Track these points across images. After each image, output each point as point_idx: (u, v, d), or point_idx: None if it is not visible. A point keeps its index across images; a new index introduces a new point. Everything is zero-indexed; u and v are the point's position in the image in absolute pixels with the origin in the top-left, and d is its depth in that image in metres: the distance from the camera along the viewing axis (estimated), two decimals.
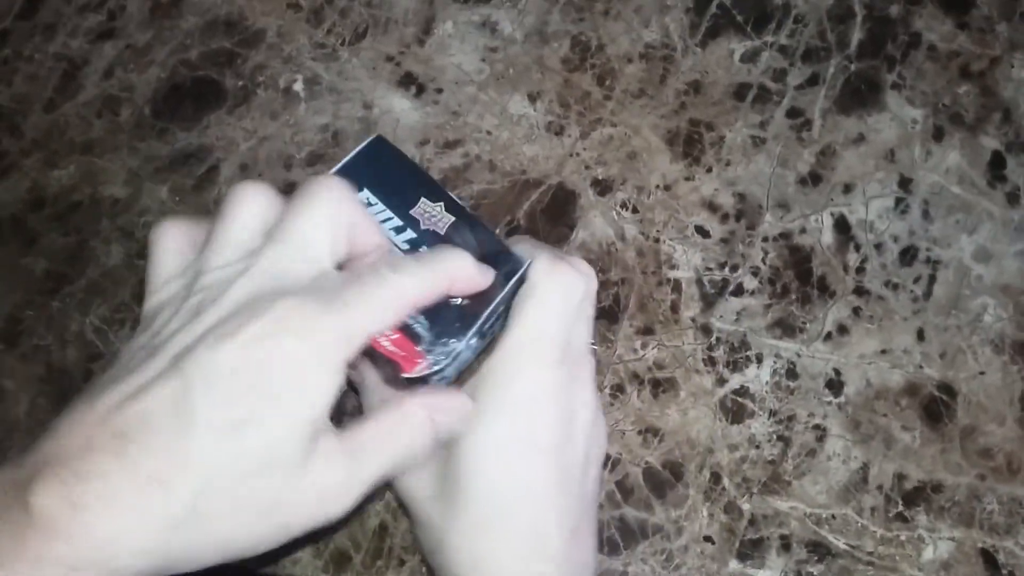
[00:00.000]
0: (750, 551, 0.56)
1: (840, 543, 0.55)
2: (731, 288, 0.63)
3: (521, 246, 0.45)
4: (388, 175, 0.45)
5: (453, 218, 0.44)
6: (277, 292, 0.34)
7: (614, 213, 0.67)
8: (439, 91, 0.73)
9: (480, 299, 0.41)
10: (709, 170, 0.67)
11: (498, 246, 0.44)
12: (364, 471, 0.36)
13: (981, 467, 0.56)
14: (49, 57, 0.82)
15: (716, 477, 0.58)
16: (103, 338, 0.70)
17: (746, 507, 0.57)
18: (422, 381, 0.40)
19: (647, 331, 0.63)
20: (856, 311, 0.61)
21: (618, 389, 0.61)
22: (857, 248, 0.63)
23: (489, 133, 0.71)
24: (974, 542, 0.54)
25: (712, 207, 0.65)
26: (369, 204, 0.44)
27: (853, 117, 0.66)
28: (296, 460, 0.33)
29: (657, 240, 0.65)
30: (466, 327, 0.41)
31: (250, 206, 0.37)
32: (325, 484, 0.34)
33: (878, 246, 0.62)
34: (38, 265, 0.74)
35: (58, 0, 0.85)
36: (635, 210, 0.66)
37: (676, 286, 0.64)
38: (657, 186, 0.67)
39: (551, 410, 0.40)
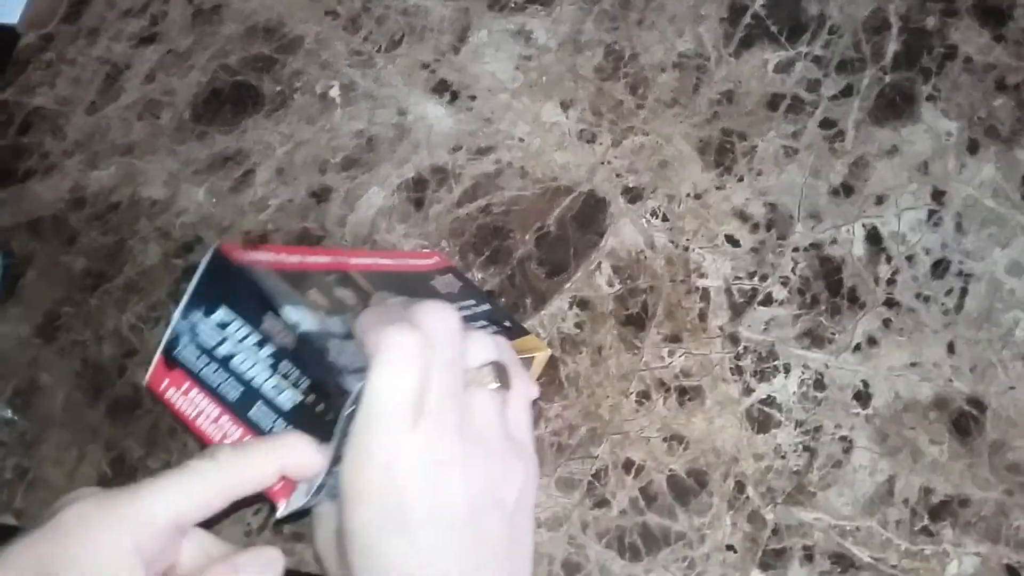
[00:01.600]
0: (773, 561, 0.56)
1: (864, 556, 0.55)
2: (760, 298, 0.63)
3: (371, 317, 0.41)
4: (236, 288, 0.42)
5: (297, 331, 0.41)
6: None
7: (644, 221, 0.67)
8: (472, 98, 0.74)
9: (332, 424, 0.39)
10: (740, 179, 0.67)
11: (339, 371, 0.40)
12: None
13: (1009, 482, 0.55)
14: (92, 60, 0.84)
15: (740, 486, 0.58)
16: (138, 335, 0.72)
17: (770, 517, 0.57)
18: (301, 512, 0.41)
19: (674, 339, 0.63)
20: (886, 323, 0.61)
21: (644, 396, 0.61)
22: (888, 260, 0.62)
23: (521, 140, 0.72)
24: (1000, 558, 0.54)
25: (743, 216, 0.65)
26: (225, 324, 0.42)
27: (887, 128, 0.66)
28: None
29: (687, 248, 0.65)
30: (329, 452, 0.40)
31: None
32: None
33: (910, 258, 0.62)
34: (77, 263, 0.76)
35: (102, 5, 0.87)
36: (665, 218, 0.67)
37: (704, 295, 0.64)
38: (688, 195, 0.67)
39: (414, 483, 0.37)
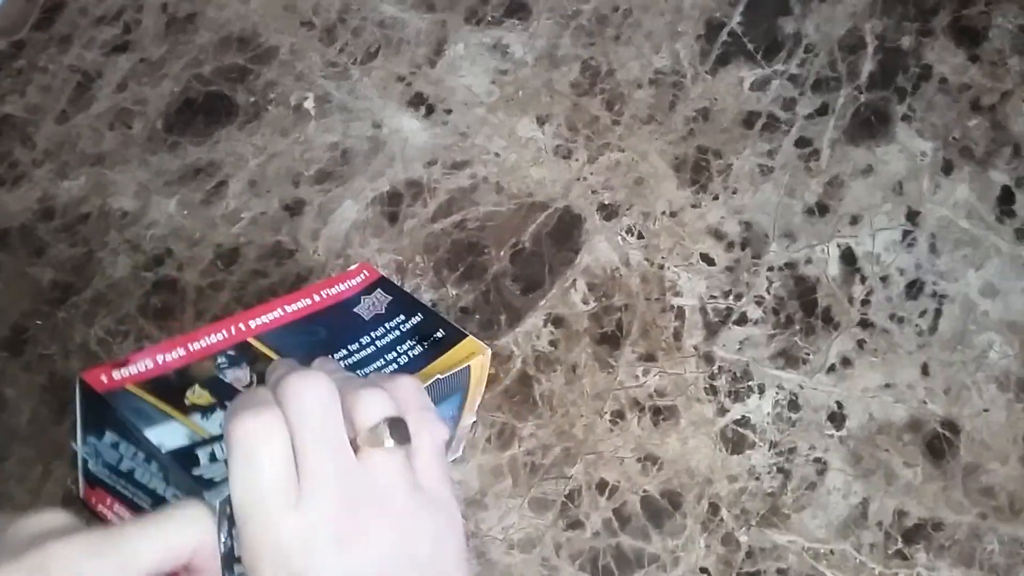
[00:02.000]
0: None
1: None
2: (735, 317, 0.63)
3: (234, 406, 0.38)
4: (106, 415, 0.44)
5: (162, 452, 0.42)
6: None
7: (619, 238, 0.66)
8: (448, 112, 0.74)
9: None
10: (716, 198, 0.66)
11: (189, 483, 0.41)
12: None
13: (983, 506, 0.55)
14: (63, 68, 0.83)
15: (714, 508, 0.58)
16: (106, 349, 0.71)
17: (744, 539, 0.56)
18: None
19: (649, 358, 0.62)
20: (860, 344, 0.60)
21: (618, 415, 0.61)
22: (863, 280, 0.62)
23: (497, 155, 0.71)
24: None
25: (718, 235, 0.65)
26: (116, 444, 0.43)
27: (862, 148, 0.66)
28: None
29: (662, 267, 0.65)
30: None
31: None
32: None
33: (884, 279, 0.62)
34: (45, 275, 0.75)
35: (75, 12, 0.86)
36: (640, 236, 0.66)
37: (679, 313, 0.63)
38: (663, 212, 0.67)
39: (313, 565, 0.36)
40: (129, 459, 0.42)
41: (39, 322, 0.73)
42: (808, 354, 0.61)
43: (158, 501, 0.41)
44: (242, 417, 0.36)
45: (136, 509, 0.42)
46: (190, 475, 0.40)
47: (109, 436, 0.43)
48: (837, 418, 0.59)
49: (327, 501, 0.36)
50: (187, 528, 0.36)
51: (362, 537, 0.36)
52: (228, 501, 0.36)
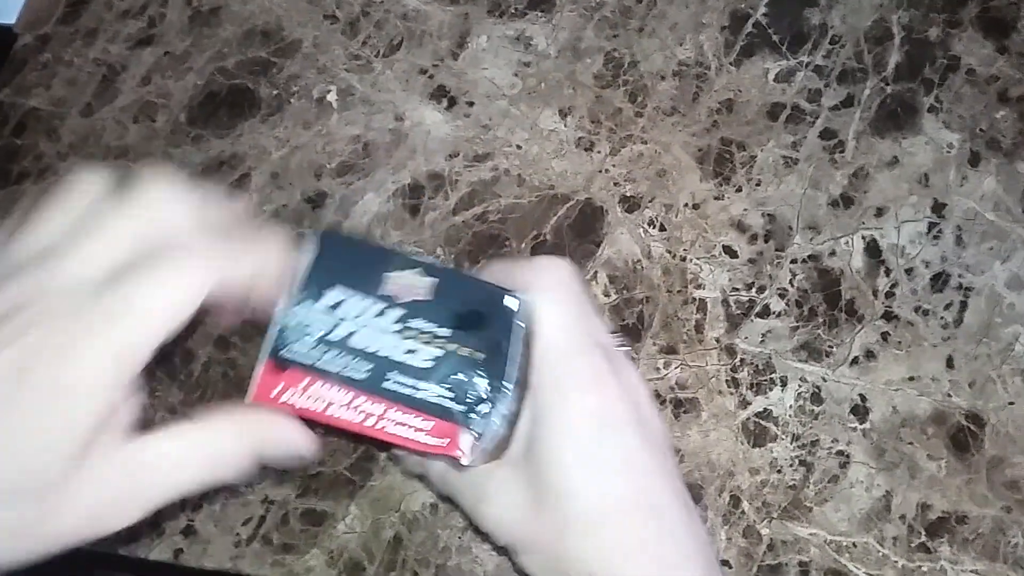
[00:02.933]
0: None
1: (860, 572, 0.54)
2: (757, 309, 0.62)
3: (495, 271, 0.43)
4: (353, 262, 0.41)
5: (433, 279, 0.40)
6: (57, 298, 0.32)
7: (641, 231, 0.66)
8: (471, 104, 0.74)
9: (494, 354, 0.39)
10: (739, 190, 0.66)
11: (493, 293, 0.40)
12: (149, 491, 0.34)
13: (1007, 499, 0.54)
14: (88, 62, 0.84)
15: (736, 500, 0.57)
16: None
17: (765, 532, 0.56)
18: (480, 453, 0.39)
19: (670, 350, 0.62)
20: (884, 336, 0.60)
21: None
22: (887, 273, 0.62)
23: (519, 147, 0.71)
24: None
25: (741, 227, 0.65)
26: (337, 304, 0.39)
27: (888, 140, 0.65)
28: (53, 486, 0.32)
29: (684, 259, 0.65)
30: (496, 382, 0.38)
31: (73, 200, 0.34)
32: (95, 503, 0.33)
33: (909, 271, 0.61)
34: None
35: (99, 6, 0.87)
36: (663, 228, 0.66)
37: (701, 306, 0.63)
38: (686, 204, 0.66)
39: (610, 388, 0.39)
40: (350, 321, 0.39)
41: None
42: (831, 347, 0.60)
43: (379, 366, 0.39)
44: (548, 260, 0.42)
45: (343, 382, 0.38)
46: (473, 286, 0.41)
47: (333, 295, 0.39)
48: (860, 411, 0.58)
49: (616, 357, 0.42)
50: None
51: (635, 391, 0.42)
52: (524, 317, 0.40)
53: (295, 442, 0.37)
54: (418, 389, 0.38)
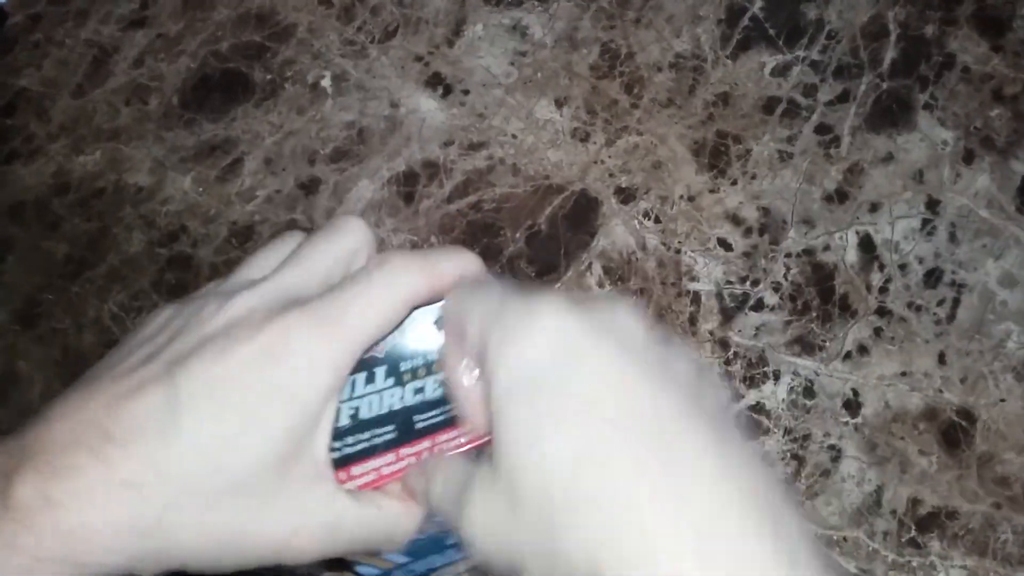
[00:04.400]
0: None
1: (851, 566, 0.55)
2: (751, 303, 0.62)
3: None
4: None
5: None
6: (272, 311, 0.33)
7: (636, 222, 0.66)
8: (466, 92, 0.73)
9: None
10: (734, 183, 0.66)
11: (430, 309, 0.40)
12: (333, 535, 0.34)
13: (997, 496, 0.55)
14: (80, 43, 0.83)
15: None
16: (120, 324, 0.70)
17: None
18: None
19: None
20: (877, 332, 0.60)
21: None
22: (881, 268, 0.62)
23: (514, 137, 0.71)
24: (987, 571, 0.53)
25: (736, 220, 0.65)
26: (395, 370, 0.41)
27: (883, 136, 0.66)
28: (273, 486, 0.32)
29: (678, 251, 0.65)
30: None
31: (341, 247, 0.37)
32: (303, 518, 0.33)
33: (902, 267, 0.62)
34: (59, 249, 0.75)
35: None
36: (657, 220, 0.66)
37: (695, 298, 0.63)
38: (681, 197, 0.66)
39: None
40: (348, 401, 0.38)
41: (52, 296, 0.73)
42: (824, 341, 0.60)
43: (401, 415, 0.38)
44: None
45: (384, 449, 0.38)
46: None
47: (384, 368, 0.39)
48: (852, 405, 0.58)
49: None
50: None
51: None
52: None
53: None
54: (446, 411, 0.39)
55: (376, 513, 0.36)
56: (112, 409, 0.31)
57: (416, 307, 0.36)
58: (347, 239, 0.36)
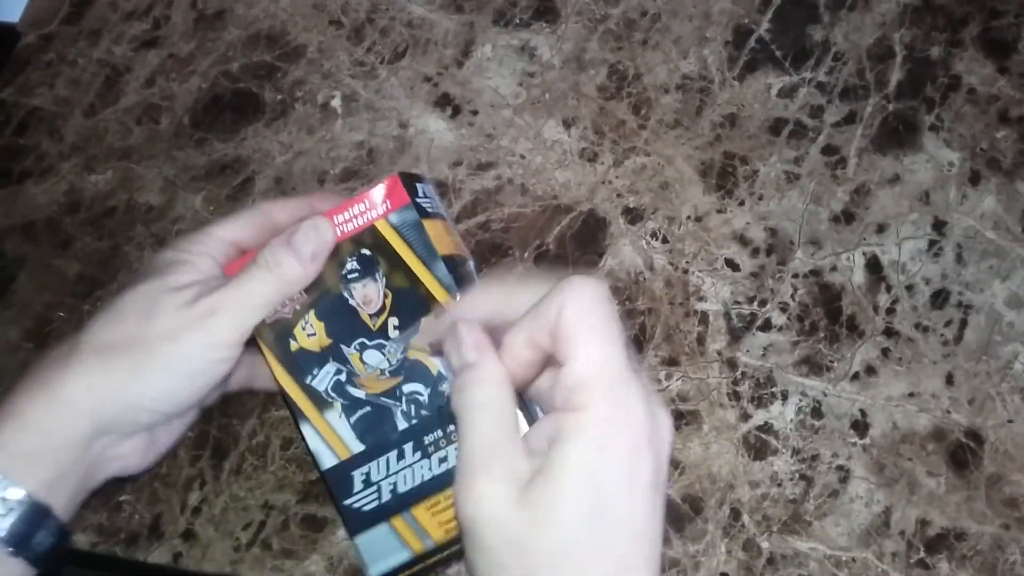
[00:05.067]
0: None
1: None
2: (759, 323, 0.63)
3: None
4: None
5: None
6: None
7: (644, 242, 0.67)
8: (475, 113, 0.74)
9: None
10: (742, 203, 0.66)
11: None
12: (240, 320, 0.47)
13: (1006, 517, 0.55)
14: (92, 63, 0.84)
15: (736, 513, 0.58)
16: None
17: (765, 545, 0.56)
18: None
19: (672, 362, 0.63)
20: (885, 352, 0.60)
21: None
22: (888, 289, 0.62)
23: (522, 157, 0.71)
24: None
25: (743, 240, 0.65)
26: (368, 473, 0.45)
27: (889, 157, 0.66)
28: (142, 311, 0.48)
29: (686, 271, 0.65)
30: None
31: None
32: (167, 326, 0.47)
33: (909, 288, 0.62)
34: (71, 268, 0.75)
35: (104, 6, 0.87)
36: (665, 240, 0.66)
37: (703, 318, 0.63)
38: (688, 217, 0.67)
39: (643, 436, 0.37)
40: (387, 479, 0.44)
41: (63, 315, 0.74)
42: (832, 362, 0.61)
43: (433, 482, 0.43)
44: (583, 278, 0.40)
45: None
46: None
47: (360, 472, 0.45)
48: (860, 426, 0.59)
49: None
50: None
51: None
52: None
53: (317, 227, 0.47)
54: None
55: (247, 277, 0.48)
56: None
57: None
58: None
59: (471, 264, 0.45)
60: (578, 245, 0.67)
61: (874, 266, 0.63)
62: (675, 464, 0.59)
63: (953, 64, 0.68)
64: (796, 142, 0.68)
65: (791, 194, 0.66)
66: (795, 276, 0.64)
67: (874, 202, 0.65)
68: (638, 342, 0.63)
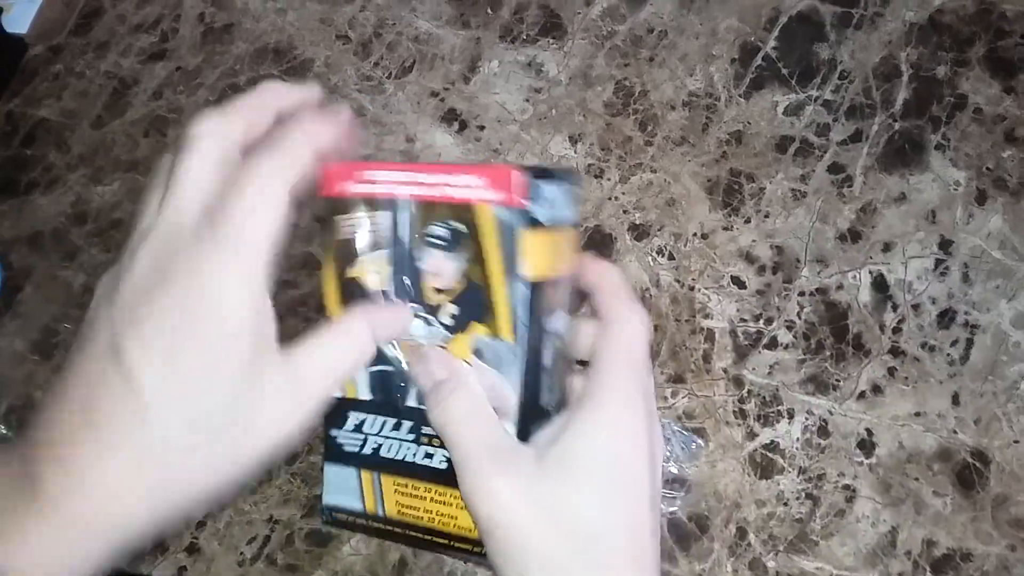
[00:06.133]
0: None
1: None
2: (765, 341, 0.63)
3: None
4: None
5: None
6: (165, 258, 0.35)
7: (650, 259, 0.67)
8: (481, 128, 0.74)
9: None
10: (748, 221, 0.67)
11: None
12: (314, 393, 0.38)
13: (1012, 538, 0.55)
14: (100, 75, 0.84)
15: (742, 532, 0.58)
16: None
17: (771, 565, 0.56)
18: None
19: (678, 379, 0.63)
20: (891, 371, 0.60)
21: None
22: (894, 308, 0.62)
23: None
24: None
25: (749, 258, 0.65)
26: (359, 425, 0.44)
27: (895, 176, 0.66)
28: (231, 407, 0.35)
29: (692, 288, 0.65)
30: None
31: (204, 159, 0.37)
32: (275, 415, 0.36)
33: (916, 307, 0.62)
34: (77, 279, 0.75)
35: (112, 19, 0.87)
36: (671, 257, 0.66)
37: (709, 336, 0.64)
38: (695, 234, 0.67)
39: (656, 433, 0.39)
40: (374, 437, 0.42)
41: (69, 326, 0.74)
42: (838, 380, 0.61)
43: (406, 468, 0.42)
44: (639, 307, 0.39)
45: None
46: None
47: (352, 419, 0.43)
48: (867, 445, 0.59)
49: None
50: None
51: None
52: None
53: (399, 321, 0.41)
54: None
55: (331, 344, 0.39)
56: (79, 386, 0.35)
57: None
58: (202, 145, 0.37)
59: (567, 289, 0.43)
60: None
61: (880, 285, 0.63)
62: (681, 482, 0.59)
63: (959, 83, 0.68)
64: (802, 160, 0.68)
65: (797, 212, 0.66)
66: (801, 294, 0.64)
67: (880, 221, 0.65)
68: None
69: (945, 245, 0.63)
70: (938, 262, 0.63)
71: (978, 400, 0.59)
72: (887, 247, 0.64)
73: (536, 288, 0.40)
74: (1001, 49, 0.69)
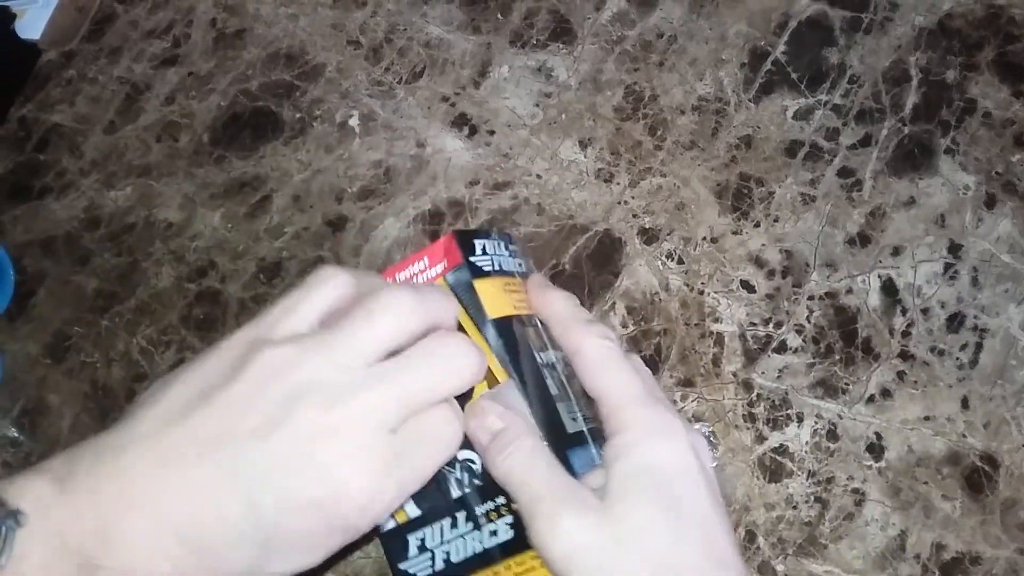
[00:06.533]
0: None
1: None
2: (774, 345, 0.63)
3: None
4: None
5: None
6: (308, 393, 0.35)
7: (659, 263, 0.67)
8: (491, 133, 0.74)
9: None
10: (757, 225, 0.67)
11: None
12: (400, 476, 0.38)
13: (1021, 541, 0.55)
14: (113, 80, 0.85)
15: (751, 536, 0.58)
16: (148, 359, 0.71)
17: (780, 568, 0.57)
18: None
19: (687, 383, 0.63)
20: (900, 375, 0.60)
21: None
22: (904, 312, 0.62)
23: (539, 177, 0.72)
24: None
25: (759, 262, 0.66)
26: (422, 544, 0.44)
27: (905, 180, 0.66)
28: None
29: (702, 292, 0.65)
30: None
31: (324, 292, 0.38)
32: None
33: (925, 311, 0.62)
34: (89, 283, 0.76)
35: (125, 24, 0.88)
36: (681, 261, 0.67)
37: (719, 339, 0.64)
38: (704, 238, 0.67)
39: (683, 436, 0.40)
40: (443, 547, 0.43)
41: (82, 330, 0.74)
42: (848, 384, 0.61)
43: (483, 557, 0.42)
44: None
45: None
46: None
47: (415, 539, 0.43)
48: (876, 449, 0.59)
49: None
50: None
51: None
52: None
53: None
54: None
55: None
56: (188, 519, 0.34)
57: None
58: (398, 323, 0.38)
59: (534, 321, 0.45)
60: (594, 265, 0.68)
61: (890, 289, 0.63)
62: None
63: (968, 88, 0.68)
64: (812, 164, 0.68)
65: (807, 216, 0.66)
66: (811, 298, 0.64)
67: (890, 225, 0.65)
68: (653, 362, 0.64)
69: (954, 249, 0.63)
70: (947, 266, 0.63)
71: (987, 404, 0.59)
72: (896, 251, 0.64)
73: (503, 324, 0.41)
74: (1010, 53, 0.69)
